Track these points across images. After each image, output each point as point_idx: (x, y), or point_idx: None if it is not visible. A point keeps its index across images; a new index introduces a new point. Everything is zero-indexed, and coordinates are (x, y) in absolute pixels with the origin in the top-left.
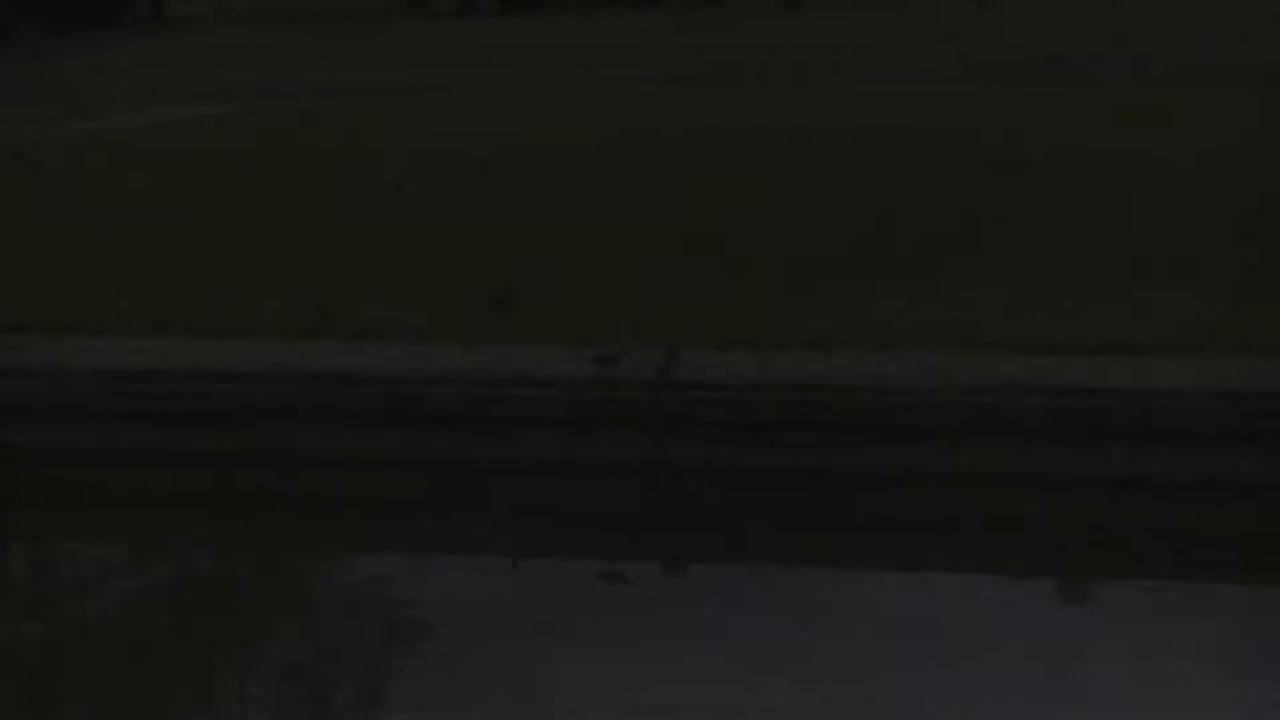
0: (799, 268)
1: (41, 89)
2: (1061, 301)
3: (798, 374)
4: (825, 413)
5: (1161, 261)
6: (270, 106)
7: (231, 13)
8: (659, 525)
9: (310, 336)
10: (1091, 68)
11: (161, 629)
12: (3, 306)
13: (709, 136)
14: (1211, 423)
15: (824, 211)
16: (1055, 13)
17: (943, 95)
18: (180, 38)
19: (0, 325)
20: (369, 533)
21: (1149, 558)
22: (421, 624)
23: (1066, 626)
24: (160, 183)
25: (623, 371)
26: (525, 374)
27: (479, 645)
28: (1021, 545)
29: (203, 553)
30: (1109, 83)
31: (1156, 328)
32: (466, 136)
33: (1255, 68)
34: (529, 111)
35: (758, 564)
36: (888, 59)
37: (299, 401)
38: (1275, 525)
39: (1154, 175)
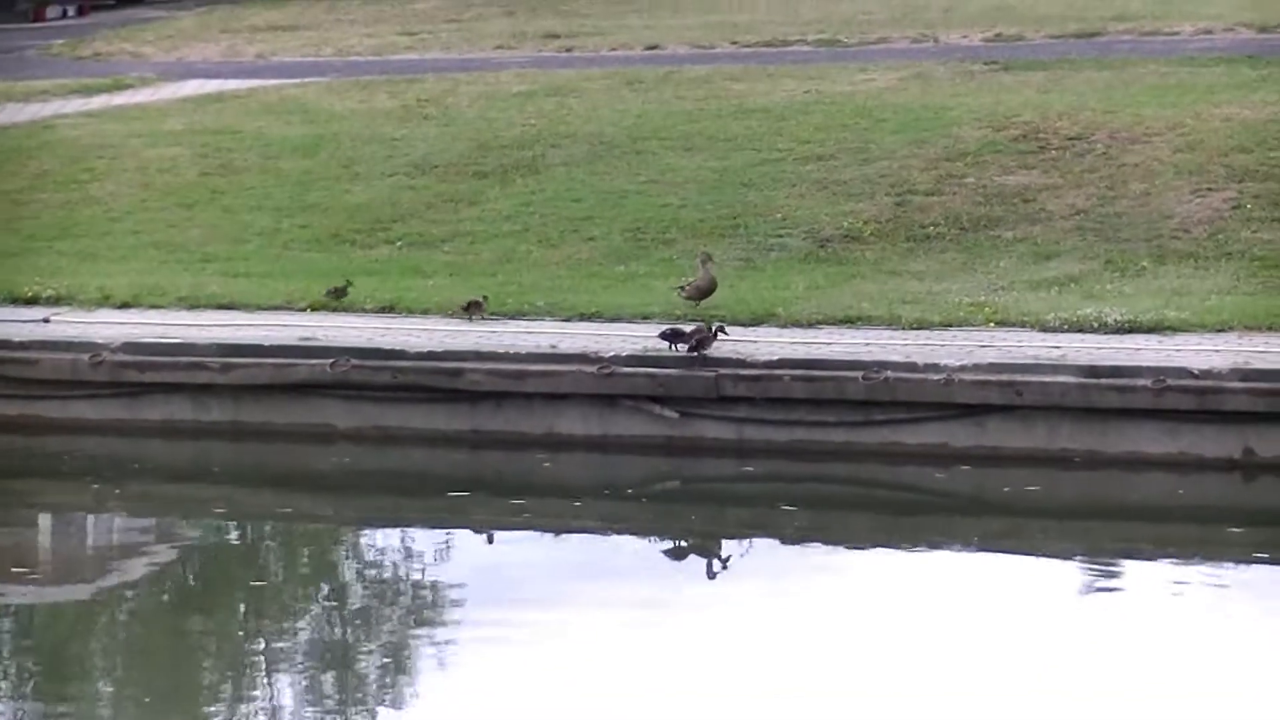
0: (821, 244)
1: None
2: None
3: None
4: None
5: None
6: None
7: None
8: None
9: None
10: (1122, 45)
11: None
12: None
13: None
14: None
15: (850, 187)
16: None
17: (970, 72)
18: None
19: None
20: None
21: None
22: None
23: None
24: None
25: None
26: None
27: None
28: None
29: None
30: (1142, 61)
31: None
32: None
33: None
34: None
35: None
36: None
37: None
38: None
39: (1184, 154)
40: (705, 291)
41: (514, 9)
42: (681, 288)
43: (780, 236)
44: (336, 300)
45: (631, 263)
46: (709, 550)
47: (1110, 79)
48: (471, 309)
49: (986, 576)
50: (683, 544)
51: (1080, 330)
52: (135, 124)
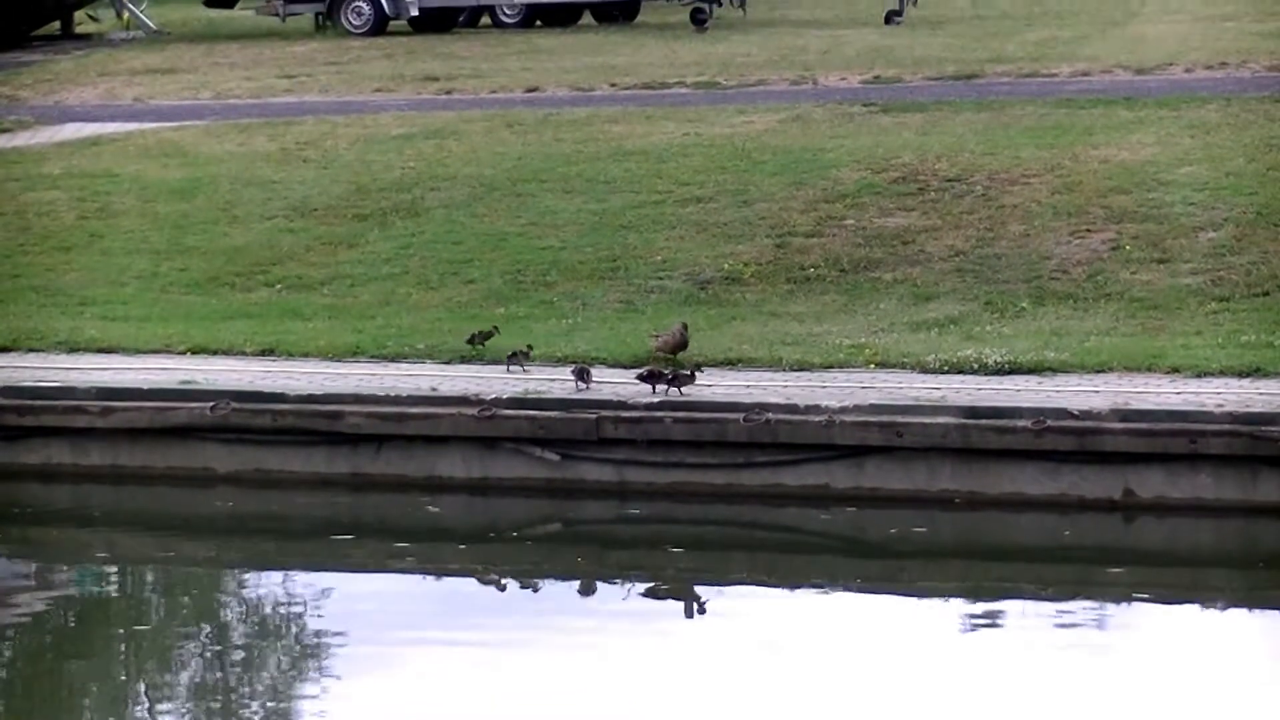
0: (701, 286)
1: None
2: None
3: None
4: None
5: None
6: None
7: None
8: None
9: None
10: (1001, 87)
11: None
12: None
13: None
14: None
15: (729, 229)
16: (969, 33)
17: (848, 114)
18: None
19: None
20: None
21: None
22: None
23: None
24: None
25: None
26: None
27: None
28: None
29: None
30: (1020, 103)
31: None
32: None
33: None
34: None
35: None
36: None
37: None
38: None
39: (1062, 195)
40: (673, 348)
41: (393, 52)
42: (655, 335)
43: (660, 278)
44: (481, 345)
45: (511, 304)
46: (591, 592)
47: (989, 121)
48: (517, 358)
49: (869, 617)
50: (565, 586)
51: (960, 371)
52: (13, 168)
